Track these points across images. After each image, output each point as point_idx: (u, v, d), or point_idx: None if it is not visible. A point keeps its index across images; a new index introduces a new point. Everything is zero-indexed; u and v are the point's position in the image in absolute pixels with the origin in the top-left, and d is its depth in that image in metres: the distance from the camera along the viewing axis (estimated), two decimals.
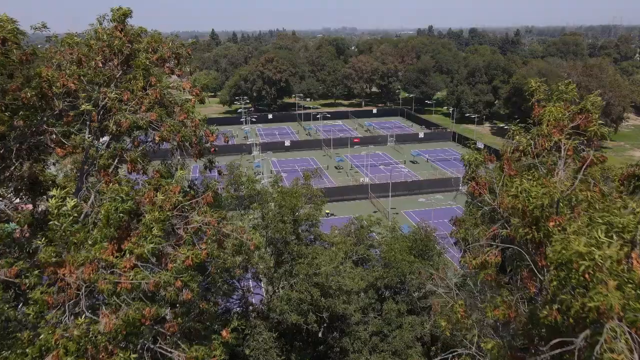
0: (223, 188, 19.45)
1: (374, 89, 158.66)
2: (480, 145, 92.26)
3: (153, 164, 12.51)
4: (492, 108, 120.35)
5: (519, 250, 9.24)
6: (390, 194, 64.16)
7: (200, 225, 9.74)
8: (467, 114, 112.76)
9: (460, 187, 43.35)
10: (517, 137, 11.30)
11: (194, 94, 12.48)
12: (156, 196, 9.68)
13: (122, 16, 11.99)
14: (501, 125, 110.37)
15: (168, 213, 9.47)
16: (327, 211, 63.21)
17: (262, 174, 78.01)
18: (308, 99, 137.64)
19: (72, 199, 9.57)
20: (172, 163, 12.54)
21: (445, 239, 21.11)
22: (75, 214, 9.50)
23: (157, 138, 11.27)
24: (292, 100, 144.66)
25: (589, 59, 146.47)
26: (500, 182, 10.71)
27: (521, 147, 10.87)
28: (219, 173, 14.13)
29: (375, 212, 63.82)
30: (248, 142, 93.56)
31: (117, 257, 9.14)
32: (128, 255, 9.11)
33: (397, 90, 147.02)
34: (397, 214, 62.64)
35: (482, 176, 11.56)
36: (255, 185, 20.99)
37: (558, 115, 10.65)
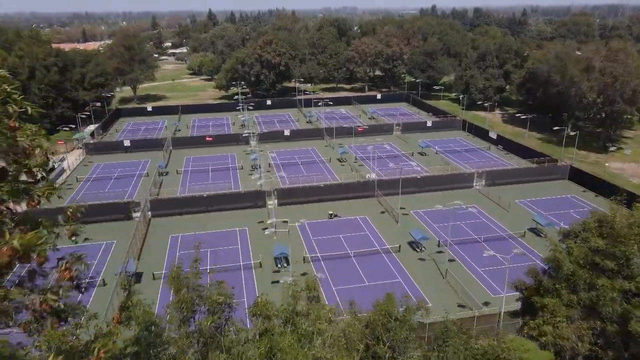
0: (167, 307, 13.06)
1: (378, 73, 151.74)
2: (493, 135, 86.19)
3: None
4: (503, 94, 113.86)
5: None
6: (400, 191, 58.56)
7: None
8: (479, 102, 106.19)
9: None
10: None
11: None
12: None
13: None
14: (514, 113, 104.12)
15: None
16: (331, 212, 57.77)
17: (260, 167, 72.30)
18: (309, 84, 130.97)
19: None
20: None
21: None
22: None
23: None
24: (291, 85, 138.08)
25: (599, 40, 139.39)
26: None
27: None
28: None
29: (382, 212, 58.37)
30: (245, 134, 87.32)
31: None
32: None
33: (402, 75, 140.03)
34: (406, 214, 57.20)
35: None
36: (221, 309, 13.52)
37: None
